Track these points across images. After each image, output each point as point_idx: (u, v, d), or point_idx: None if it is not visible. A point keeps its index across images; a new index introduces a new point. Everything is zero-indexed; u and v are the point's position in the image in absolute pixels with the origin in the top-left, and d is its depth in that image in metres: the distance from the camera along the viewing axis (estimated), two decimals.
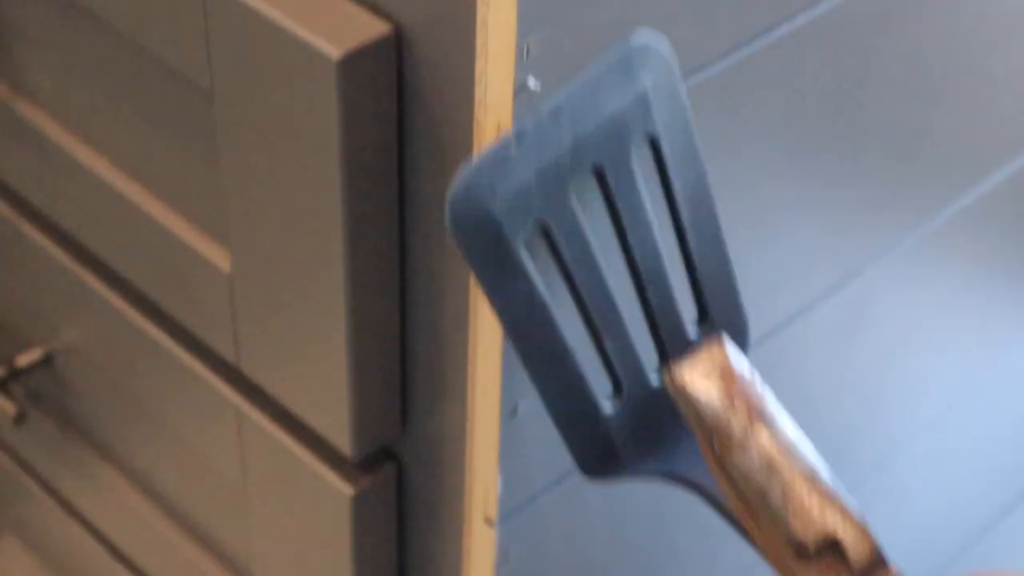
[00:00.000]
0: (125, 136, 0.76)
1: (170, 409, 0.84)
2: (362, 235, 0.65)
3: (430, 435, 0.71)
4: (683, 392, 0.61)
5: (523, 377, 0.64)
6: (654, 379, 0.65)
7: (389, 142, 0.64)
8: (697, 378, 0.62)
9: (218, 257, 0.73)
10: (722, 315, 0.67)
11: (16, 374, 0.94)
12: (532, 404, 0.66)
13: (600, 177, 0.62)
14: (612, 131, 0.61)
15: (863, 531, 0.59)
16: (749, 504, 0.60)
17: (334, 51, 0.60)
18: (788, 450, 0.60)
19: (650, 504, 0.78)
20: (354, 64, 0.60)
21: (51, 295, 0.89)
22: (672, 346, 0.65)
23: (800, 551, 0.59)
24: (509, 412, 0.67)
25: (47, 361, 0.94)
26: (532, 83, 0.59)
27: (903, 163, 0.80)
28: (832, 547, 0.59)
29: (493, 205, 0.59)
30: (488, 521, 0.69)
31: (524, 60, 0.58)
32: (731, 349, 0.63)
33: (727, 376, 0.62)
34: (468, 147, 0.61)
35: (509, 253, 0.60)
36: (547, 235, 0.61)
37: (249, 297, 0.72)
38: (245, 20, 0.63)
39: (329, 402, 0.70)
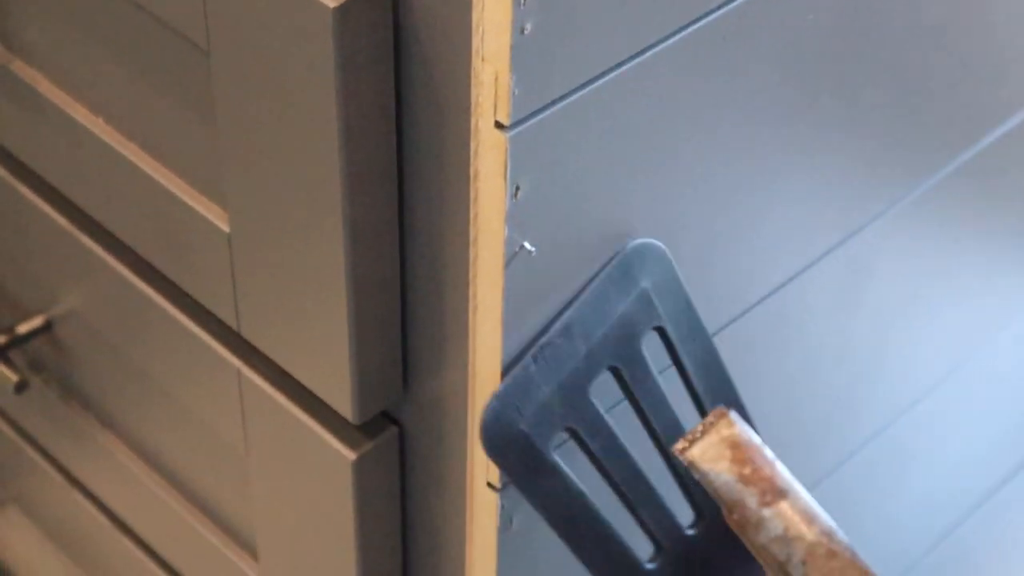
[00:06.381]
0: (121, 95, 0.75)
1: (171, 374, 0.83)
2: (361, 192, 0.64)
3: (432, 398, 0.70)
4: (697, 469, 0.65)
5: (522, 342, 0.65)
6: (690, 532, 0.72)
7: (386, 93, 0.62)
8: (708, 456, 0.65)
9: (217, 218, 0.72)
10: None
11: (17, 342, 0.93)
12: None
13: (616, 373, 0.67)
14: (621, 332, 0.66)
15: None
16: (772, 571, 0.64)
17: None
18: (806, 518, 0.64)
19: None
20: (350, 11, 0.59)
21: (50, 260, 0.88)
22: (700, 498, 0.71)
23: None
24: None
25: (48, 328, 0.93)
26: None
27: (903, 119, 0.78)
28: None
29: (521, 424, 0.65)
30: (491, 485, 0.68)
31: (521, 6, 0.57)
32: (738, 422, 0.66)
33: (738, 454, 0.65)
34: (466, 97, 0.60)
35: (543, 459, 0.66)
36: (575, 434, 0.67)
37: (248, 259, 0.71)
38: None
39: (330, 366, 0.69)
